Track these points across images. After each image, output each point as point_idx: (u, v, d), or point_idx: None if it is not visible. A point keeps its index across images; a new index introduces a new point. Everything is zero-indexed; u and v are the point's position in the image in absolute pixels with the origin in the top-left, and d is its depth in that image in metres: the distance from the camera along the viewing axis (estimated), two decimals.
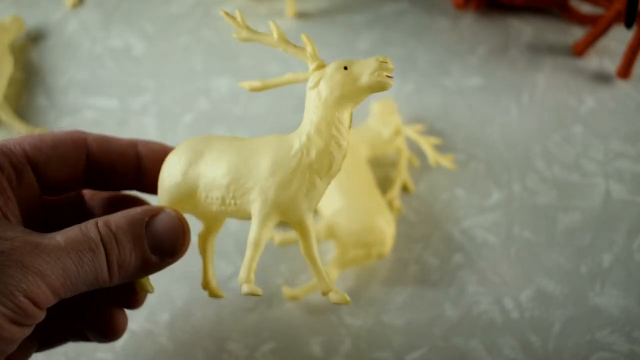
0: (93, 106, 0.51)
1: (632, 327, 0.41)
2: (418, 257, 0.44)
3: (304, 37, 0.29)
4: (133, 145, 0.33)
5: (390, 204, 0.45)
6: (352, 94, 0.28)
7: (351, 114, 0.28)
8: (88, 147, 0.32)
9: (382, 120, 0.47)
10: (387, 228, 0.42)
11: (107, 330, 0.32)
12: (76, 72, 0.53)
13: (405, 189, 0.47)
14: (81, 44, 0.55)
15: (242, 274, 0.28)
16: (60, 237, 0.26)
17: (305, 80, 0.29)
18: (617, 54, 0.54)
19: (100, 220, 0.28)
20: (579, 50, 0.54)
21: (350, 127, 0.28)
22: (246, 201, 0.28)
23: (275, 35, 0.29)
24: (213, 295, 0.33)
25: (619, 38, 0.55)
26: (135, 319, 0.40)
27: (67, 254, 0.26)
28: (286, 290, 0.41)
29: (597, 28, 0.53)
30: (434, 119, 0.51)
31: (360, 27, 0.56)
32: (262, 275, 0.42)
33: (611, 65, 0.54)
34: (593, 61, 0.54)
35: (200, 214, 0.31)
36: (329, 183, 0.29)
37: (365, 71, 0.27)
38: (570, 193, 0.47)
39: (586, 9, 0.57)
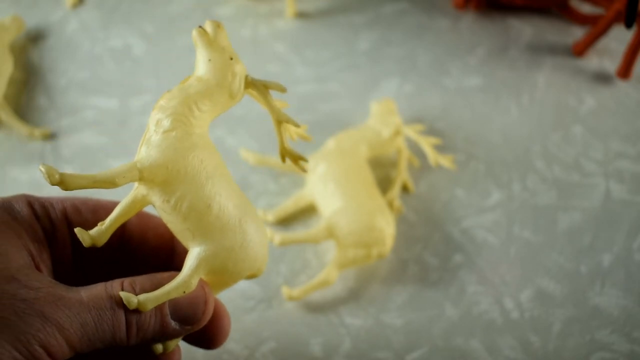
0: (93, 106, 0.51)
1: (632, 327, 0.41)
2: (418, 257, 0.44)
3: None
4: None
5: (390, 204, 0.45)
6: None
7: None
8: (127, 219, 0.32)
9: (382, 120, 0.47)
10: (387, 228, 0.42)
11: None
12: (76, 72, 0.53)
13: (405, 189, 0.47)
14: (81, 44, 0.55)
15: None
16: (84, 292, 0.27)
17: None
18: (617, 54, 0.54)
19: (126, 281, 0.28)
20: (579, 50, 0.54)
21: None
22: None
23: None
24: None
25: (619, 38, 0.55)
26: None
27: (88, 310, 0.26)
28: (286, 290, 0.41)
29: (597, 28, 0.53)
30: (434, 119, 0.51)
31: (360, 27, 0.56)
32: (262, 275, 0.42)
33: (611, 65, 0.54)
34: (593, 61, 0.54)
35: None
36: None
37: None
38: (570, 193, 0.47)
39: (586, 9, 0.57)
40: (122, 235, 0.32)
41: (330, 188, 0.43)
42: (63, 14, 0.57)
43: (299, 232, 0.43)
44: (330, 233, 0.42)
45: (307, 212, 0.45)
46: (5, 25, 0.52)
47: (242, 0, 0.58)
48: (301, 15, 0.57)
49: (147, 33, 0.55)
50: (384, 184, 0.47)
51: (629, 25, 0.49)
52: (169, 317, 0.29)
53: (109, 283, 0.28)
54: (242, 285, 0.42)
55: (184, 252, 0.31)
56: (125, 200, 0.29)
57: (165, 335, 0.29)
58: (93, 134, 0.49)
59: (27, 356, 0.24)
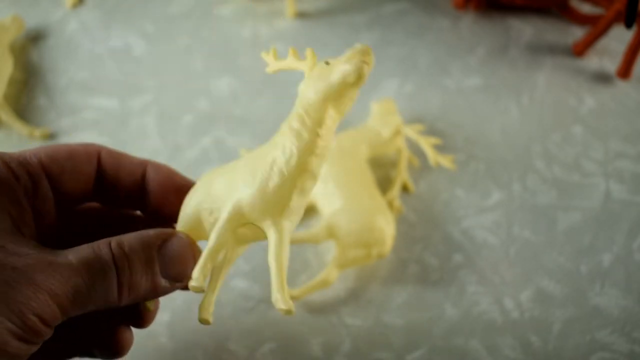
0: (93, 106, 0.51)
1: (632, 327, 0.41)
2: (418, 257, 0.44)
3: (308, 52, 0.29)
4: (142, 165, 0.33)
5: (390, 204, 0.45)
6: (329, 87, 0.26)
7: (334, 114, 0.27)
8: (100, 160, 0.32)
9: (382, 120, 0.47)
10: (387, 228, 0.42)
11: (113, 348, 0.32)
12: (76, 72, 0.53)
13: (405, 189, 0.47)
14: (81, 44, 0.55)
15: (196, 271, 0.27)
16: (72, 256, 0.26)
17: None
18: (617, 54, 0.54)
19: (114, 241, 0.27)
20: (579, 50, 0.54)
21: (330, 127, 0.27)
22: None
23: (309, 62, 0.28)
24: (203, 320, 0.29)
25: (619, 38, 0.55)
26: None
27: (78, 274, 0.26)
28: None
29: (597, 28, 0.53)
30: (434, 119, 0.51)
31: (360, 27, 0.56)
32: (262, 275, 0.42)
33: (611, 65, 0.54)
34: (593, 61, 0.54)
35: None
36: (309, 186, 0.27)
37: (340, 61, 0.26)
38: (570, 193, 0.47)
39: (586, 9, 0.57)
40: (96, 181, 0.32)
41: (331, 188, 0.43)
42: (63, 14, 0.57)
43: (299, 232, 0.43)
44: (330, 233, 0.42)
45: (307, 212, 0.45)
46: (5, 25, 0.52)
47: (242, 0, 0.58)
48: (301, 15, 0.57)
49: (147, 33, 0.55)
50: (384, 184, 0.47)
51: (629, 25, 0.49)
52: (159, 275, 0.28)
53: (95, 244, 0.27)
54: (242, 285, 0.42)
55: (156, 192, 0.31)
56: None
57: (155, 293, 0.29)
58: (93, 134, 0.49)
59: (21, 326, 0.24)
